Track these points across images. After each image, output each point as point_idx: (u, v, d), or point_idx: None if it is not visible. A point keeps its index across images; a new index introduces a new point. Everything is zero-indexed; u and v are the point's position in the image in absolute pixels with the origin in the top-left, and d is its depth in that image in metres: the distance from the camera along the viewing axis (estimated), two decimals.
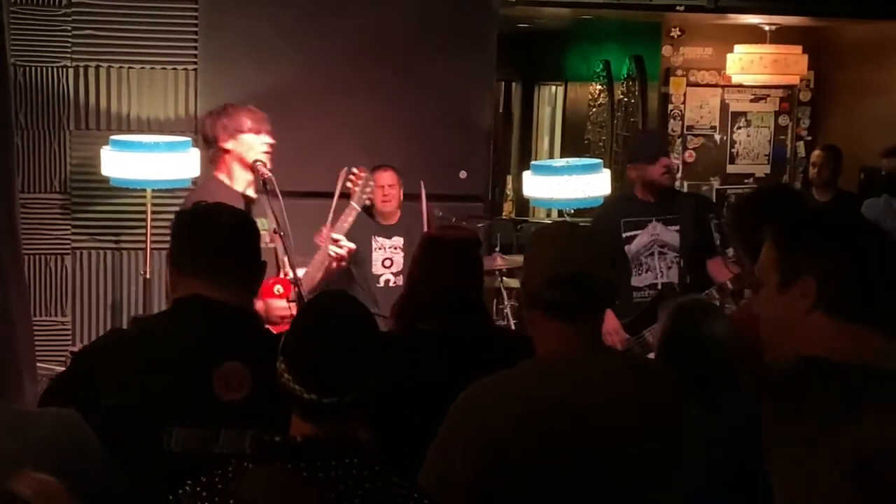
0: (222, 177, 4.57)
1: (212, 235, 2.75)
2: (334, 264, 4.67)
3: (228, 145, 4.51)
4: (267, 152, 4.53)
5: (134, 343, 2.67)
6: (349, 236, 5.22)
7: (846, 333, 1.95)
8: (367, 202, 5.00)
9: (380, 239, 5.98)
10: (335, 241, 4.66)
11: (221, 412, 2.53)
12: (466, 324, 3.24)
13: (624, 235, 5.65)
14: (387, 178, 5.89)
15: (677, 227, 5.66)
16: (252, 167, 4.49)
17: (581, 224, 6.29)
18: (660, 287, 5.62)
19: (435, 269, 3.35)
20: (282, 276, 4.49)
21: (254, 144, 4.52)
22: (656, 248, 5.66)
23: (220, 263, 2.69)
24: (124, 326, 6.04)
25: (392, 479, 2.09)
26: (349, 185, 4.91)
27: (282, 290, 4.39)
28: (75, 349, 5.83)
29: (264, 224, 4.48)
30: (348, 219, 4.84)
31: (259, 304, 4.27)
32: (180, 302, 2.69)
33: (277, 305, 4.35)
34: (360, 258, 5.84)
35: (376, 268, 5.98)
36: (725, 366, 3.08)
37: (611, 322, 5.44)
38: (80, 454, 2.10)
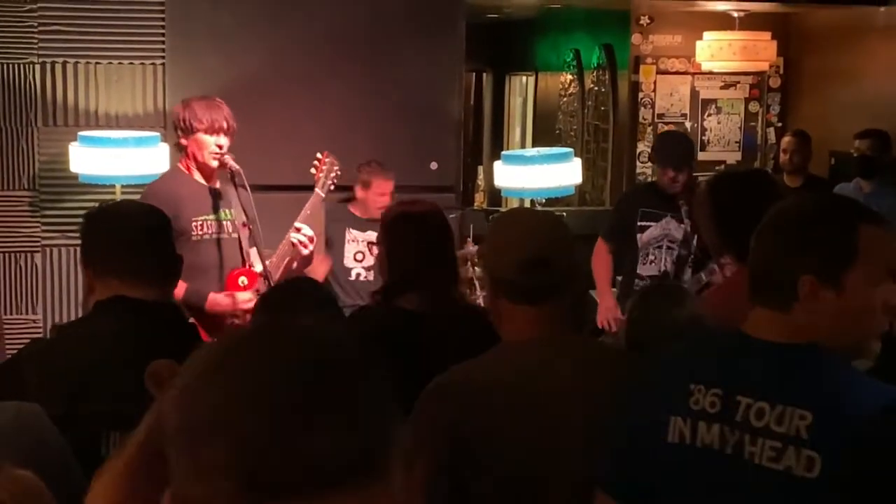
0: (184, 168, 4.56)
1: (123, 234, 2.74)
2: (303, 251, 4.59)
3: (184, 141, 4.49)
4: (214, 153, 4.43)
5: (61, 351, 2.65)
6: (325, 223, 5.17)
7: (754, 313, 2.06)
8: (332, 187, 4.90)
9: (353, 231, 5.92)
10: (297, 229, 4.60)
11: None
12: (435, 301, 3.21)
13: (638, 224, 5.71)
14: (388, 186, 5.82)
15: (686, 226, 5.68)
16: (219, 161, 4.46)
17: (542, 210, 6.31)
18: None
19: (398, 246, 3.31)
20: (247, 267, 4.47)
21: (205, 144, 4.46)
22: (666, 241, 5.69)
23: (134, 261, 2.68)
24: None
25: None
26: (313, 171, 4.84)
27: (246, 282, 4.37)
28: None
29: (230, 215, 4.46)
30: (312, 206, 4.77)
31: (226, 300, 4.25)
32: (101, 304, 2.68)
33: (243, 298, 4.33)
34: (333, 249, 5.81)
35: (348, 261, 5.91)
36: None
37: (608, 301, 5.52)
38: (39, 446, 2.09)
